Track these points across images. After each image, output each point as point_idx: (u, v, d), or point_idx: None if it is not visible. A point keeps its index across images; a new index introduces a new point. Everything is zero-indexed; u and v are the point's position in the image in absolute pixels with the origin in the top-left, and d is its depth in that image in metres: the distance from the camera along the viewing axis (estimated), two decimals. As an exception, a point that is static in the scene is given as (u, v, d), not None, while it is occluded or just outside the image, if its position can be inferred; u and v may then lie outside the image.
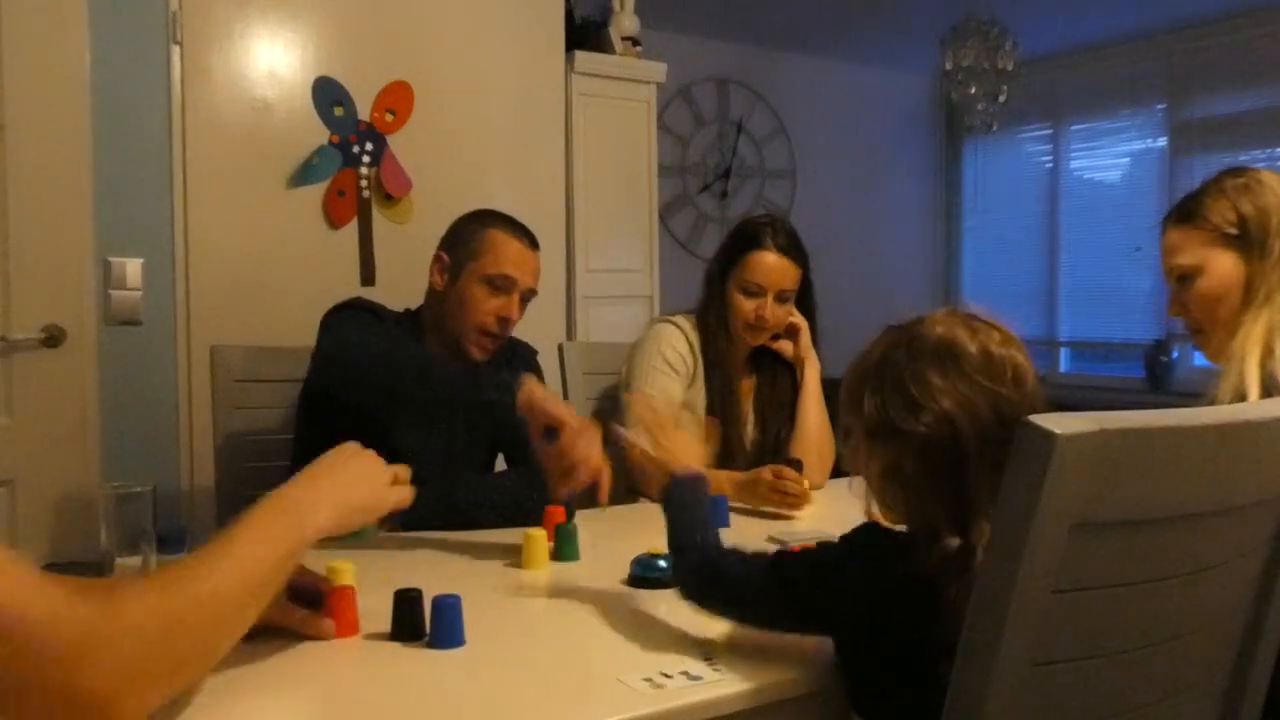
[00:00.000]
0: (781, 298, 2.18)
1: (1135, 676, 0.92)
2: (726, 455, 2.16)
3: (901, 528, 1.08)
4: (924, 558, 0.99)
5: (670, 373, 2.18)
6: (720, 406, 2.19)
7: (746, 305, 2.17)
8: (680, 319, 2.26)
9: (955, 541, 0.99)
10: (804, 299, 2.26)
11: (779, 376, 2.27)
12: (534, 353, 2.13)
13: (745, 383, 2.28)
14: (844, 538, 1.11)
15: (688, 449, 1.35)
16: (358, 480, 1.08)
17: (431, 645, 1.15)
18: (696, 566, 1.21)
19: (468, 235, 2.00)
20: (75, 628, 0.76)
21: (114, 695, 0.77)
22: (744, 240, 2.21)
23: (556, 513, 1.64)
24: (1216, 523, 0.92)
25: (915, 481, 1.03)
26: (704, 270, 2.30)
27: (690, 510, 1.26)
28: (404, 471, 1.14)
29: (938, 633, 0.93)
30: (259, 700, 1.03)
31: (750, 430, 2.25)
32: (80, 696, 0.75)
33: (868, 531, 1.09)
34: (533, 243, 2.01)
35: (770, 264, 2.16)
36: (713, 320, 2.22)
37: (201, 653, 0.88)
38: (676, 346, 2.20)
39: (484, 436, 2.04)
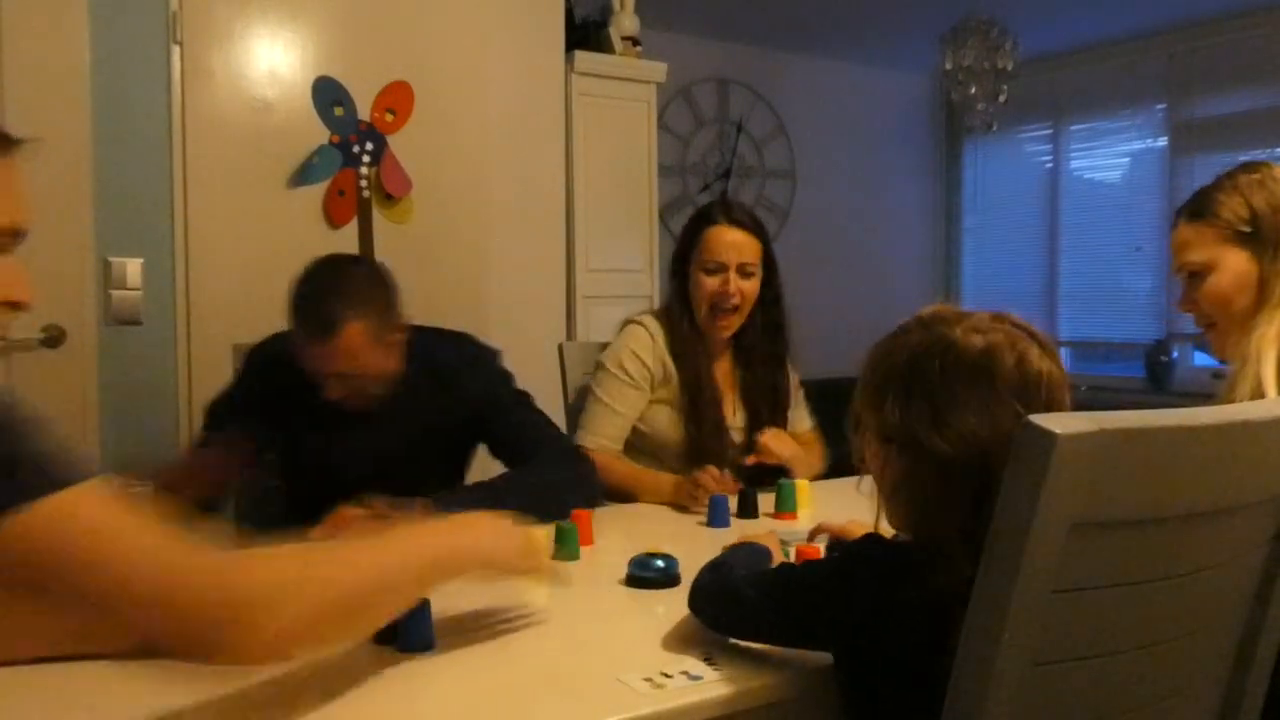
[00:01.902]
0: (744, 271, 2.16)
1: (1135, 676, 0.92)
2: (706, 448, 2.13)
3: (904, 538, 1.05)
4: (930, 578, 0.94)
5: (629, 383, 2.17)
6: (693, 397, 2.17)
7: (710, 284, 2.15)
8: (648, 318, 2.25)
9: (964, 568, 0.92)
10: (769, 278, 2.23)
11: (759, 366, 2.25)
12: (494, 354, 2.03)
13: (721, 369, 2.26)
14: (847, 550, 1.09)
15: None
16: (501, 528, 1.18)
17: (399, 649, 1.13)
18: (708, 581, 1.22)
19: None
20: (242, 585, 0.87)
21: (273, 638, 0.88)
22: (697, 221, 2.22)
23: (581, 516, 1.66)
24: (1216, 523, 0.92)
25: (931, 497, 0.98)
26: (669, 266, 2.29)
27: (740, 554, 1.30)
28: (537, 537, 1.24)
29: (942, 651, 0.90)
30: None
31: (738, 419, 2.24)
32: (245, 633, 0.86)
33: (872, 545, 1.06)
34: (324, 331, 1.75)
35: (727, 238, 2.15)
36: (676, 310, 2.21)
37: (340, 611, 0.95)
38: (639, 353, 2.18)
39: (431, 448, 1.93)
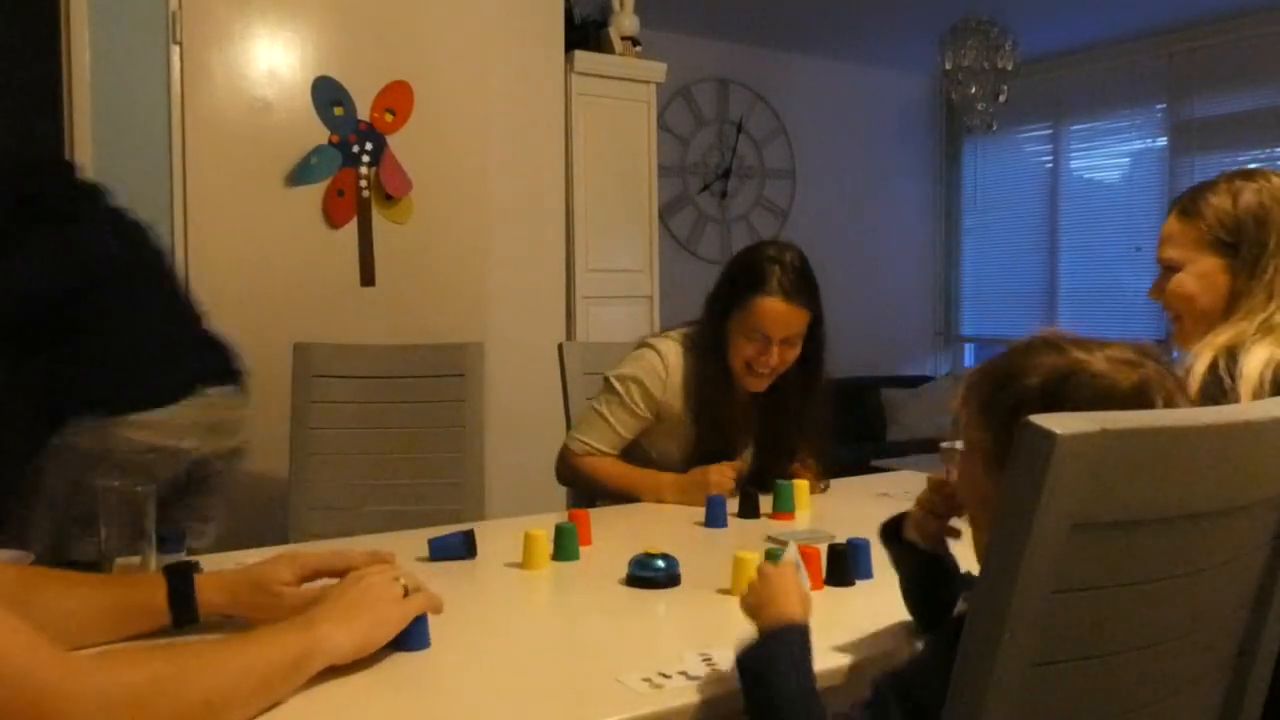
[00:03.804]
0: (788, 342, 2.03)
1: (1135, 676, 0.92)
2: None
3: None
4: None
5: (632, 409, 2.10)
6: (704, 437, 2.09)
7: (748, 349, 2.02)
8: (669, 344, 2.14)
9: None
10: (813, 332, 2.07)
11: (785, 418, 2.13)
12: None
13: (743, 411, 2.14)
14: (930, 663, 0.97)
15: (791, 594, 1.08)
16: (367, 600, 1.11)
17: (396, 647, 1.12)
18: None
19: None
20: (78, 688, 0.82)
21: None
22: (749, 281, 2.02)
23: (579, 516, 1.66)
24: (1216, 523, 0.92)
25: None
26: (705, 298, 2.13)
27: (792, 674, 1.01)
28: (412, 581, 1.16)
29: None
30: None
31: (747, 459, 2.16)
32: None
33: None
34: None
35: (778, 312, 1.98)
36: (710, 358, 2.08)
37: (202, 715, 0.90)
38: (649, 385, 2.10)
39: None
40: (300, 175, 2.82)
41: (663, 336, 2.20)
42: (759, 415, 2.15)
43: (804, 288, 2.02)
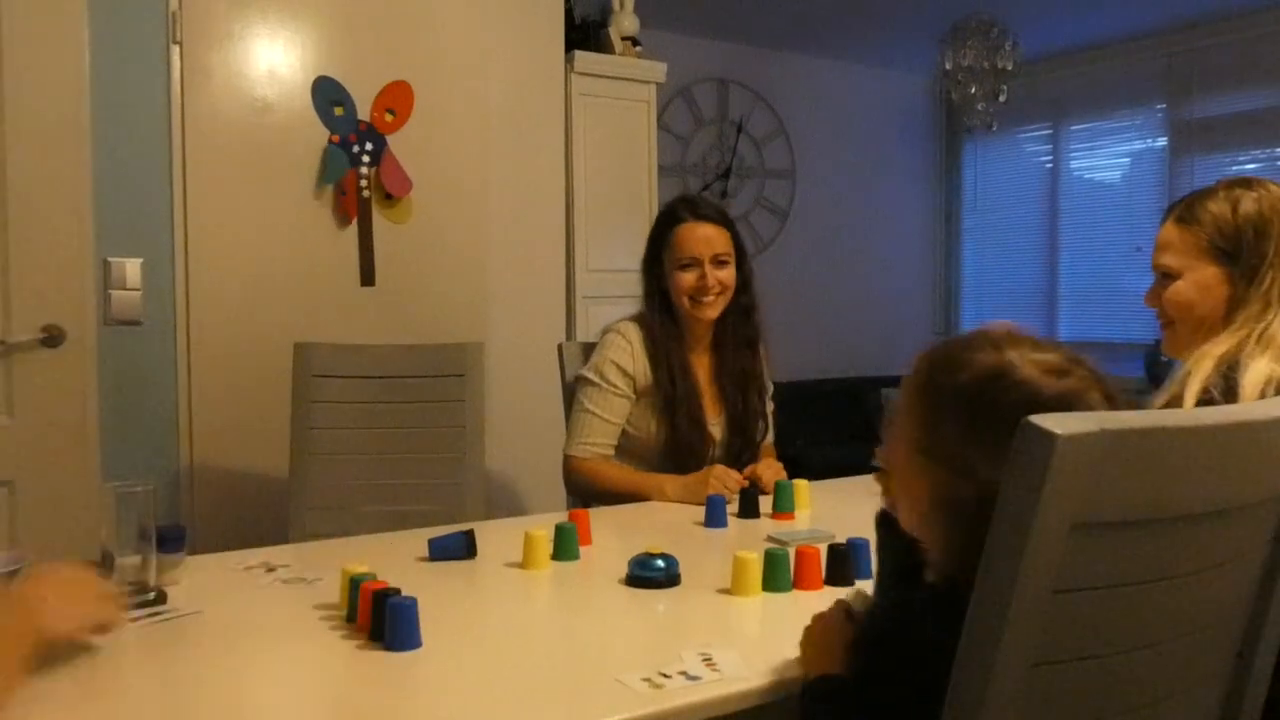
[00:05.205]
0: (718, 261, 2.19)
1: (1135, 676, 0.92)
2: (685, 444, 2.16)
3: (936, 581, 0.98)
4: (952, 618, 0.85)
5: (613, 391, 2.19)
6: (668, 394, 2.18)
7: (686, 279, 2.18)
8: (626, 325, 2.27)
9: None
10: (740, 264, 2.25)
11: (732, 350, 2.26)
12: None
13: (700, 364, 2.27)
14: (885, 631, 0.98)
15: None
16: (72, 587, 1.13)
17: (388, 647, 1.12)
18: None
19: None
20: None
21: None
22: (664, 221, 2.25)
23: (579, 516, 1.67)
24: (1216, 523, 0.92)
25: (972, 529, 0.86)
26: (640, 266, 2.30)
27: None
28: (107, 587, 1.18)
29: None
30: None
31: (718, 415, 2.25)
32: None
33: (911, 602, 0.97)
34: None
35: (697, 233, 2.19)
36: (656, 310, 2.23)
37: None
38: (619, 361, 2.20)
39: None
40: (325, 177, 2.83)
41: (616, 323, 2.31)
42: (715, 362, 2.27)
43: (714, 211, 2.26)
